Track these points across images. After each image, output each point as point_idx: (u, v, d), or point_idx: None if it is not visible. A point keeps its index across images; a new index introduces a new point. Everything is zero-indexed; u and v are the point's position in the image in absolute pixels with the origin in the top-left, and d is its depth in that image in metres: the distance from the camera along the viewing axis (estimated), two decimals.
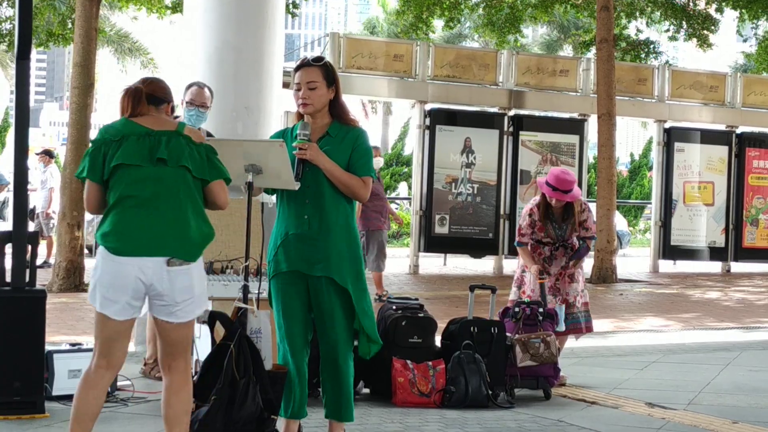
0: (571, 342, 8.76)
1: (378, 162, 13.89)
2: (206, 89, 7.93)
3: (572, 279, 8.34)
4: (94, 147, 4.96)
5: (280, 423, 5.64)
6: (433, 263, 20.28)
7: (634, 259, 23.78)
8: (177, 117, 8.03)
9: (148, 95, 5.03)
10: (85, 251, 15.32)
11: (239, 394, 5.19)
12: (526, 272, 8.38)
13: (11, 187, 6.92)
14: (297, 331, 5.56)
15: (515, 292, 8.41)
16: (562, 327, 8.04)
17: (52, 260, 16.14)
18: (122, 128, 4.96)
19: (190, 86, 7.95)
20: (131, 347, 8.23)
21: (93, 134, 16.27)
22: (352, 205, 5.62)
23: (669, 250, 21.23)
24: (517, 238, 8.48)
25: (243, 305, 5.45)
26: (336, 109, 5.64)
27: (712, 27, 22.01)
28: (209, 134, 7.94)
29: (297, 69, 5.61)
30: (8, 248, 6.64)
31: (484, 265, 20.11)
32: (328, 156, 5.48)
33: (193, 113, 7.80)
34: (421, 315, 7.60)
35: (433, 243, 19.03)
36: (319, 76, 5.57)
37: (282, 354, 5.61)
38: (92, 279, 4.98)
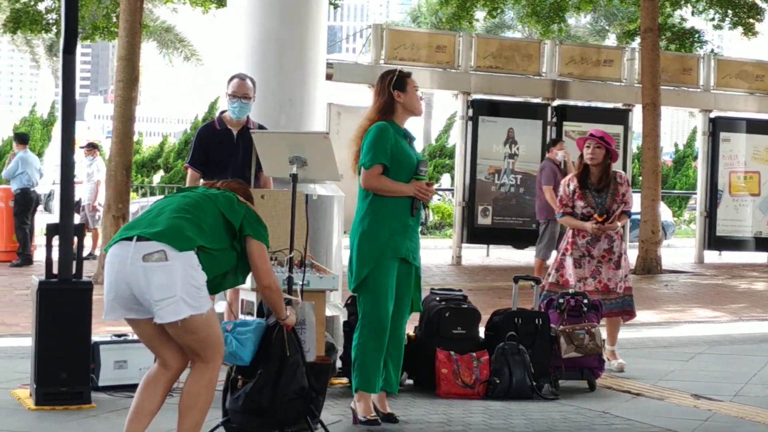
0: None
1: (562, 155, 14.42)
2: (248, 80, 7.96)
3: (617, 266, 8.28)
4: None
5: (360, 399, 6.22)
6: (475, 254, 20.24)
7: (679, 250, 23.61)
8: (224, 111, 8.09)
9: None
10: None
11: (288, 369, 5.18)
12: (566, 256, 8.35)
13: (57, 179, 6.96)
14: (390, 313, 6.24)
15: (553, 275, 8.40)
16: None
17: (97, 252, 16.26)
18: None
19: (232, 78, 7.99)
20: None
21: (137, 127, 16.42)
22: None
23: (714, 240, 21.03)
24: (559, 210, 8.46)
25: (288, 296, 5.46)
26: None
27: (758, 15, 21.76)
28: (261, 126, 7.97)
29: (408, 75, 6.40)
30: (55, 240, 6.70)
31: (527, 256, 20.02)
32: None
33: (236, 105, 7.84)
34: (465, 306, 7.59)
35: (475, 234, 18.99)
36: None
37: (377, 333, 6.19)
38: None
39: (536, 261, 14.66)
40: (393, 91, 6.22)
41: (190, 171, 7.98)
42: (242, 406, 5.14)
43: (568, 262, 8.33)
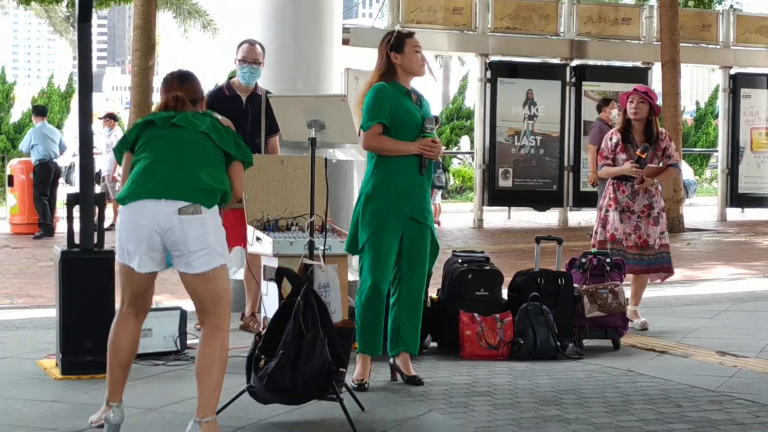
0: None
1: (614, 114, 14.40)
2: (258, 46, 8.04)
3: (655, 222, 8.25)
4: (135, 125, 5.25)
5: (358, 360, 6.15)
6: (497, 217, 20.19)
7: (701, 208, 23.50)
8: (232, 77, 8.11)
9: (191, 100, 5.21)
10: None
11: (306, 347, 5.18)
12: (609, 211, 8.33)
13: (77, 151, 6.96)
14: (389, 276, 6.16)
15: (601, 232, 8.37)
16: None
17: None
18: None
19: (241, 44, 8.08)
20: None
21: (155, 97, 16.38)
22: None
23: (736, 198, 20.93)
24: (600, 162, 8.44)
25: (310, 261, 5.45)
26: None
27: None
28: (268, 92, 7.98)
29: (411, 35, 6.26)
30: (76, 211, 6.70)
31: (549, 218, 20.00)
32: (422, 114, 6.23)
33: (246, 70, 7.92)
34: (488, 268, 7.56)
35: (496, 197, 18.95)
36: None
37: (369, 297, 6.07)
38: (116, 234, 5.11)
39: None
40: (390, 52, 6.15)
41: None
42: (265, 385, 5.16)
43: (613, 217, 8.30)
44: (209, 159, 5.05)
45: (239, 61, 7.96)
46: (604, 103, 15.05)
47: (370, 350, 6.17)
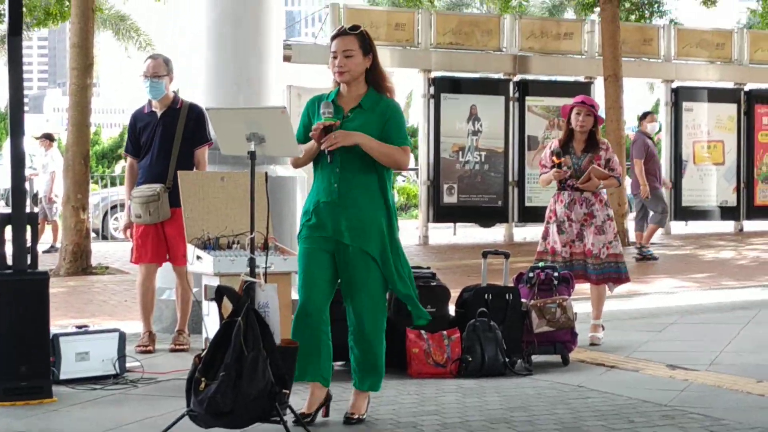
0: (585, 306, 8.57)
1: (654, 127, 15.14)
2: (160, 59, 8.07)
3: (599, 231, 8.18)
4: None
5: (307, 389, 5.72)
6: (442, 234, 20.11)
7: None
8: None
9: None
10: (92, 234, 15.19)
11: (247, 368, 5.02)
12: (550, 223, 8.30)
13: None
14: (316, 295, 5.57)
15: (541, 243, 8.36)
16: None
17: (58, 244, 16.00)
18: None
19: (145, 60, 8.11)
20: (156, 327, 8.15)
21: (97, 118, 16.12)
22: (387, 173, 5.65)
23: (680, 211, 21.02)
24: (540, 171, 8.41)
25: (250, 279, 5.28)
26: (374, 76, 5.68)
27: None
28: (193, 105, 8.11)
29: (333, 38, 5.67)
30: (8, 232, 6.48)
31: (495, 234, 19.95)
32: (361, 128, 5.50)
33: (147, 84, 7.98)
34: (434, 284, 7.45)
35: (442, 213, 18.88)
36: (355, 44, 5.62)
37: (297, 317, 5.60)
38: None
39: (650, 227, 15.54)
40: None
41: (128, 158, 8.20)
42: (206, 409, 4.97)
43: (552, 229, 8.27)
44: None
45: (141, 76, 8.01)
46: (643, 116, 15.38)
47: (304, 375, 5.64)
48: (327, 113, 5.47)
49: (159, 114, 8.00)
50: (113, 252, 16.90)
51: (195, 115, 7.92)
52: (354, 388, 5.76)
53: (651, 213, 15.44)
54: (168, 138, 7.90)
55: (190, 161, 7.93)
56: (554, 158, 8.16)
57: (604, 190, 8.35)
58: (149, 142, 7.95)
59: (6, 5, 6.43)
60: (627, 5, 21.83)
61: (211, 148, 8.02)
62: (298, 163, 5.77)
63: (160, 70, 7.95)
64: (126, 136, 8.41)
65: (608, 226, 8.24)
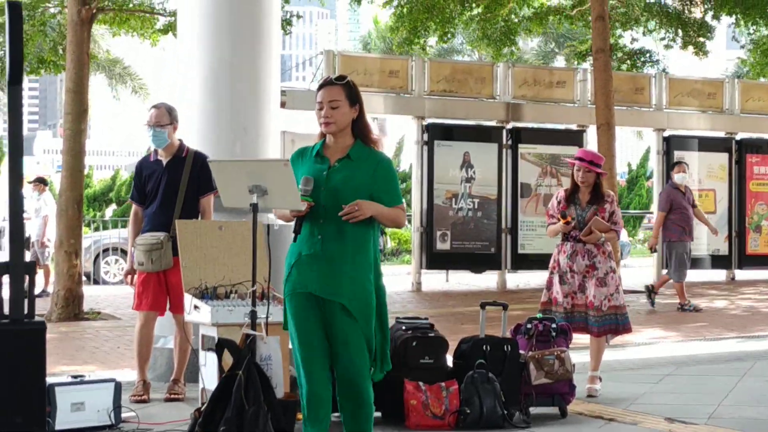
0: (583, 356, 8.55)
1: (681, 177, 15.18)
2: (163, 108, 8.11)
3: (601, 283, 8.17)
4: None
5: None
6: (435, 279, 20.06)
7: (636, 270, 23.58)
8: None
9: None
10: (83, 279, 15.13)
11: (248, 423, 4.98)
12: (553, 273, 8.32)
13: (6, 216, 6.71)
14: (314, 354, 5.32)
15: (545, 294, 8.37)
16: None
17: (49, 289, 15.92)
18: None
19: (149, 109, 8.16)
20: (150, 375, 8.11)
21: (88, 161, 16.13)
22: (373, 228, 5.43)
23: None
24: (547, 222, 8.49)
25: (251, 332, 5.25)
26: (359, 128, 5.51)
27: (708, 34, 21.87)
28: (198, 153, 8.15)
29: (320, 88, 5.53)
30: (5, 279, 6.44)
31: (487, 281, 19.91)
32: (348, 179, 5.34)
33: (150, 133, 8.03)
34: (432, 335, 7.41)
35: (434, 259, 18.83)
36: (342, 94, 5.48)
37: (299, 376, 5.36)
38: None
39: (675, 286, 15.62)
40: None
41: (133, 205, 8.26)
42: None
43: (555, 279, 8.29)
44: None
45: (145, 125, 8.07)
46: (671, 166, 15.78)
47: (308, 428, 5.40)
48: (304, 191, 5.27)
49: (164, 162, 8.04)
50: (105, 297, 16.84)
51: (200, 164, 7.92)
52: None
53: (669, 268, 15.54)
54: (173, 186, 7.93)
55: (195, 209, 7.94)
56: (562, 219, 8.20)
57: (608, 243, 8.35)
58: (154, 191, 8.00)
59: (7, 55, 6.43)
60: (619, 54, 21.94)
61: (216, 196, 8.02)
62: (284, 217, 5.56)
63: (162, 119, 7.99)
64: (132, 181, 8.47)
65: (610, 278, 8.24)
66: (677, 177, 15.25)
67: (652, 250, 15.31)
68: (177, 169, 7.97)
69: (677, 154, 20.87)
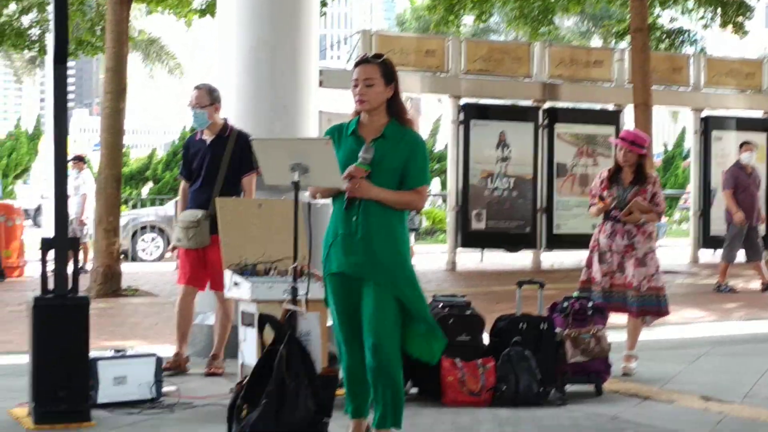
0: (619, 335, 8.56)
1: (747, 157, 15.12)
2: (203, 89, 8.21)
3: (640, 263, 8.19)
4: None
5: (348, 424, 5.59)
6: (470, 258, 20.10)
7: (672, 250, 23.47)
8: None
9: None
10: (121, 256, 15.29)
11: (289, 397, 5.06)
12: (593, 252, 8.36)
13: (46, 193, 6.82)
14: (351, 331, 5.43)
15: (584, 272, 8.41)
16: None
17: (88, 266, 16.09)
18: None
19: (192, 90, 8.26)
20: (189, 351, 8.23)
21: (126, 139, 16.23)
22: (402, 210, 5.47)
23: (709, 239, 20.93)
24: (590, 201, 8.50)
25: (292, 307, 5.32)
26: (394, 107, 5.53)
27: (748, 13, 21.70)
28: (241, 133, 8.24)
29: (356, 65, 5.56)
30: (50, 255, 6.55)
31: (522, 260, 19.93)
32: (383, 159, 5.37)
33: (192, 114, 8.18)
34: (469, 312, 7.47)
35: (470, 239, 18.87)
36: (377, 73, 5.51)
37: (340, 353, 5.50)
38: None
39: (721, 264, 15.68)
40: None
41: (182, 182, 8.41)
42: None
43: (594, 258, 8.33)
44: None
45: (188, 106, 8.18)
46: (739, 146, 15.62)
47: (348, 410, 5.58)
48: (363, 159, 5.34)
49: (208, 141, 8.15)
50: (142, 274, 17.00)
51: (242, 143, 8.00)
52: (374, 429, 5.48)
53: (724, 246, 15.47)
54: (215, 165, 8.03)
55: (236, 188, 8.03)
56: (599, 201, 8.28)
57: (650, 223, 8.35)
58: (198, 169, 8.14)
59: (52, 34, 6.51)
60: (657, 34, 21.83)
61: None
62: (317, 194, 5.63)
63: (203, 100, 8.09)
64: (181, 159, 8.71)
65: (650, 258, 8.25)
66: (744, 156, 15.10)
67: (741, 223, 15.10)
68: (219, 148, 8.06)
69: (715, 134, 20.81)
